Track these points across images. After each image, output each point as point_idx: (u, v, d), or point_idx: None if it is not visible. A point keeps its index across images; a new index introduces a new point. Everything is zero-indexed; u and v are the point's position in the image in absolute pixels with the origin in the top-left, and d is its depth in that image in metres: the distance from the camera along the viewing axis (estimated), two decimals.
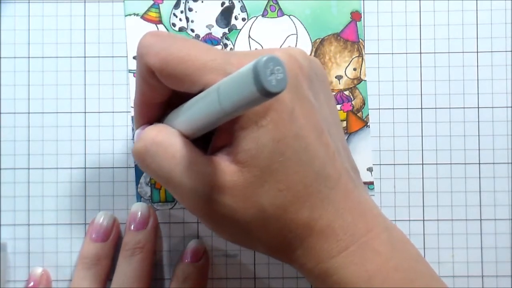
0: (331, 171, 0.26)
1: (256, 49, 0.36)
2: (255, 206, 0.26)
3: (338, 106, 0.36)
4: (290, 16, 0.36)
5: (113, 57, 0.35)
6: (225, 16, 0.36)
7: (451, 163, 0.35)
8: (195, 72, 0.26)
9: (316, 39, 0.36)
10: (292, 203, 0.26)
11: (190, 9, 0.36)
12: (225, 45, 0.36)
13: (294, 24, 0.36)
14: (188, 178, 0.26)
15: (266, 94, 0.21)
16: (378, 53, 0.36)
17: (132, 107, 0.35)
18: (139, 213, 0.34)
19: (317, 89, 0.28)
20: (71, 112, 0.35)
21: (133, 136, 0.35)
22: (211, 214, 0.26)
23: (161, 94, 0.28)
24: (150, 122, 0.29)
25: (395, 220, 0.35)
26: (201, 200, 0.26)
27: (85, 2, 0.36)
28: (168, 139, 0.27)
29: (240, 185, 0.25)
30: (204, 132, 0.27)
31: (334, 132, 0.28)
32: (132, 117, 0.35)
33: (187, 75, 0.26)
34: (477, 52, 0.36)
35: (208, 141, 0.28)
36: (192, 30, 0.36)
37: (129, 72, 0.35)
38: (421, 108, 0.36)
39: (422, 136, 0.36)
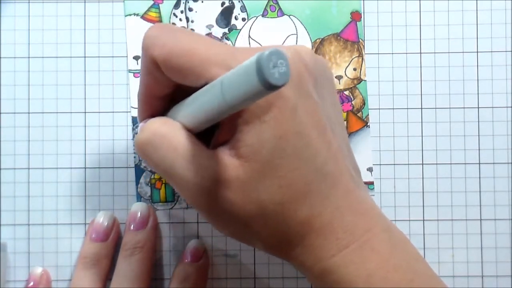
0: (332, 170, 0.26)
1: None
2: (255, 201, 0.26)
3: None
4: (290, 16, 0.36)
5: (113, 57, 0.35)
6: (225, 16, 0.36)
7: (451, 163, 0.35)
8: (199, 65, 0.25)
9: (316, 39, 0.36)
10: (292, 200, 0.26)
11: (190, 9, 0.36)
12: None
13: (294, 24, 0.36)
14: (189, 171, 0.26)
15: (269, 87, 0.21)
16: (378, 53, 0.36)
17: (132, 107, 0.35)
18: (139, 213, 0.34)
19: (322, 88, 0.28)
20: (71, 112, 0.35)
21: (133, 137, 0.35)
22: (211, 208, 0.26)
23: (165, 87, 0.28)
24: (153, 116, 0.29)
25: (395, 220, 0.35)
26: (202, 194, 0.26)
27: (85, 2, 0.36)
28: (171, 131, 0.27)
29: (241, 179, 0.25)
30: (207, 125, 0.27)
31: (337, 131, 0.28)
32: (132, 117, 0.35)
33: (191, 68, 0.26)
34: (477, 52, 0.36)
35: (211, 135, 0.28)
36: (192, 30, 0.36)
37: (129, 72, 0.35)
38: (421, 108, 0.36)
39: (422, 136, 0.36)
